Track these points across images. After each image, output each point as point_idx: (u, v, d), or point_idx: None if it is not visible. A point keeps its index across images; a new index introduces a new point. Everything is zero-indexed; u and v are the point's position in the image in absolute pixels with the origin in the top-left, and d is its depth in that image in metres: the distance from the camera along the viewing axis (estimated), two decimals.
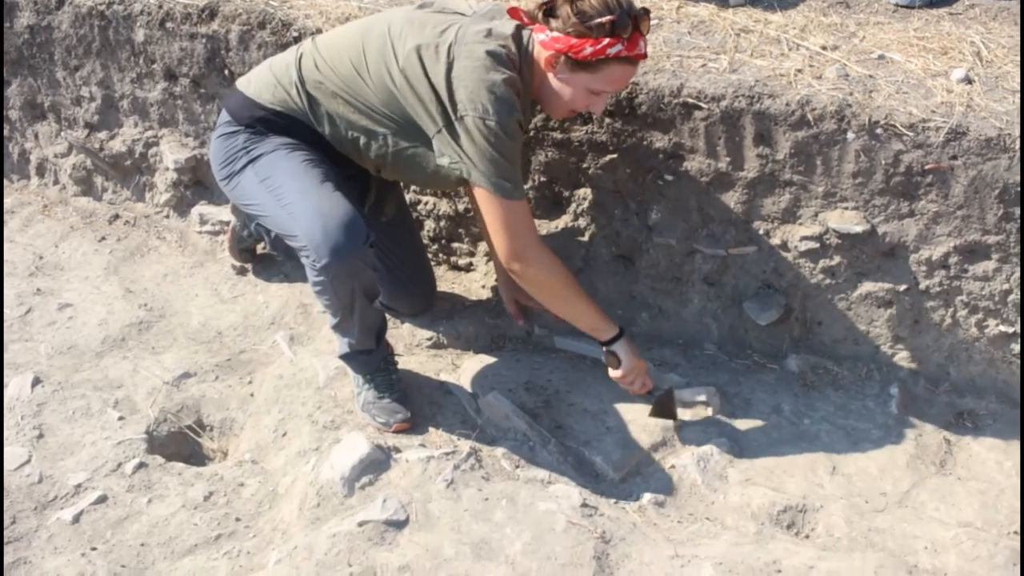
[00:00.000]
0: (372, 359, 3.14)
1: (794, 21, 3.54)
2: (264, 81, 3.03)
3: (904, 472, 3.02)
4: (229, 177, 3.04)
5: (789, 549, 2.70)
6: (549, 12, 2.71)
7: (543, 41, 2.73)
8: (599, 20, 2.64)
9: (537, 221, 3.60)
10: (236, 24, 3.77)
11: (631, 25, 2.67)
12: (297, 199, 2.83)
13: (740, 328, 3.48)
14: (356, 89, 2.89)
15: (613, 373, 3.10)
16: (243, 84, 3.09)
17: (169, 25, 3.90)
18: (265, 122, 2.99)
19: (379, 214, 3.30)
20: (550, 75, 2.79)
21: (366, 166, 3.06)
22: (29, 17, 4.20)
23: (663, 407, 3.17)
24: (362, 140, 2.96)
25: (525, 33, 2.83)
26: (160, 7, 3.91)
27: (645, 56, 2.77)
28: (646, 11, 2.72)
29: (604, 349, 3.08)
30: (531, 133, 3.40)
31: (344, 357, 3.15)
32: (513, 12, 2.80)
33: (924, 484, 2.99)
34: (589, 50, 2.67)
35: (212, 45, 3.85)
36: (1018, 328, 3.14)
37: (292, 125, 2.98)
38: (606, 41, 2.65)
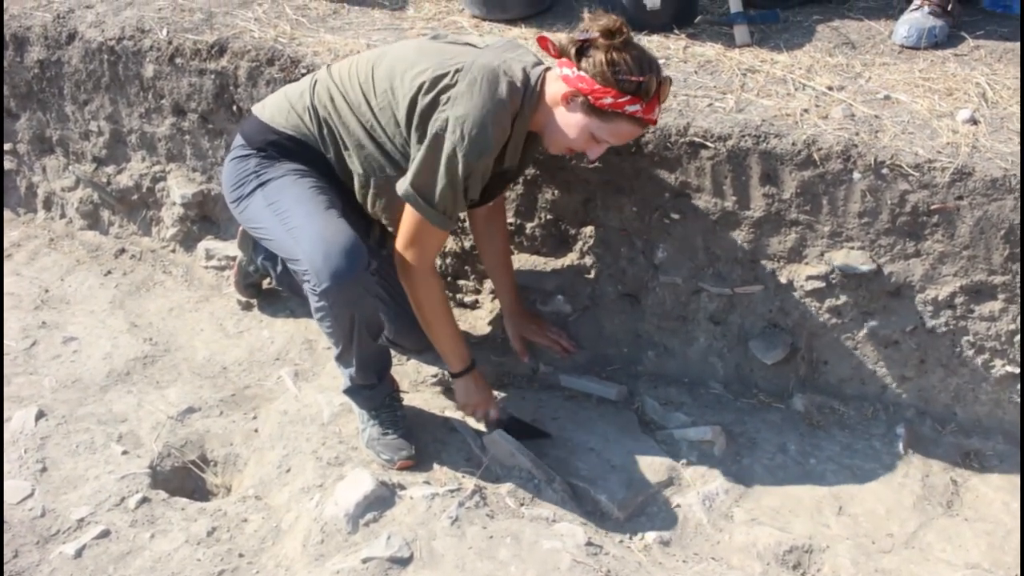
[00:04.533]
0: (376, 394, 3.14)
1: (800, 61, 3.56)
2: (278, 106, 3.09)
3: (911, 513, 3.01)
4: (239, 200, 3.08)
5: None
6: (581, 52, 2.74)
7: (566, 76, 2.76)
8: (629, 77, 2.67)
9: (543, 259, 3.61)
10: (245, 60, 3.79)
11: (655, 91, 2.72)
12: (301, 223, 2.86)
13: (746, 367, 3.47)
14: (360, 114, 2.95)
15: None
16: (258, 109, 3.15)
17: (178, 61, 3.93)
18: (277, 146, 3.04)
19: (382, 247, 3.31)
20: (560, 109, 2.81)
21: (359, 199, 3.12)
22: (39, 52, 4.23)
23: (517, 429, 3.24)
24: (356, 170, 3.04)
25: (533, 72, 2.86)
26: (170, 43, 3.93)
27: (655, 122, 2.83)
28: (669, 80, 2.77)
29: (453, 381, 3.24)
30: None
31: (348, 391, 3.15)
32: (542, 41, 2.82)
33: (931, 525, 2.97)
34: (609, 100, 2.70)
35: (221, 81, 3.88)
36: None
37: (303, 151, 3.04)
38: (627, 98, 2.70)
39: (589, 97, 2.72)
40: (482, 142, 2.73)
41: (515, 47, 2.95)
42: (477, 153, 2.74)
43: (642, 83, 2.68)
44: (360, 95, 2.94)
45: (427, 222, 2.86)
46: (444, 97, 2.78)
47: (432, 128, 2.77)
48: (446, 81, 2.79)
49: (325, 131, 3.01)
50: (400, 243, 2.94)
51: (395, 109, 2.88)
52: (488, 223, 3.38)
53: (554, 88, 2.82)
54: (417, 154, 2.81)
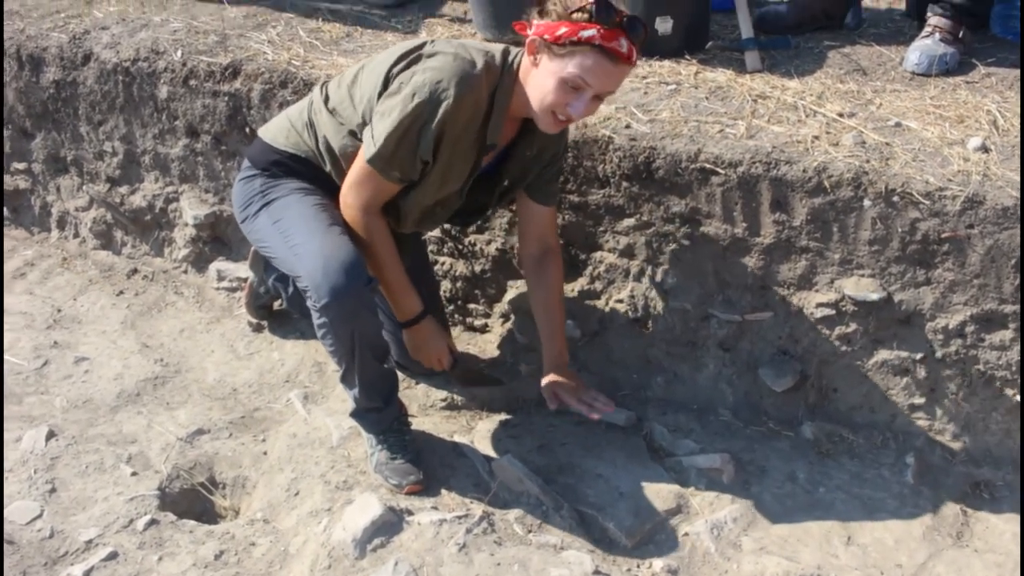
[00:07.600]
0: (383, 418, 3.14)
1: (811, 88, 3.56)
2: (279, 126, 3.15)
3: (920, 543, 2.99)
4: (246, 220, 3.13)
5: None
6: (540, 10, 2.74)
7: (529, 36, 2.76)
8: (580, 4, 2.64)
9: None
10: (258, 82, 3.82)
11: (614, 20, 2.65)
12: (303, 240, 2.89)
13: (755, 394, 3.46)
14: (347, 117, 2.97)
15: None
16: (262, 131, 3.20)
17: (192, 82, 3.95)
18: (280, 165, 3.09)
19: None
20: (532, 72, 2.79)
21: None
22: (55, 72, 4.26)
23: (469, 378, 3.39)
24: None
25: (512, 51, 2.89)
26: (184, 65, 3.96)
27: (625, 57, 2.69)
28: (639, 20, 2.70)
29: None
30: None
31: (353, 414, 3.16)
32: (518, 25, 2.84)
33: (940, 556, 2.96)
34: (564, 31, 2.65)
35: (234, 103, 3.90)
36: None
37: (305, 168, 3.08)
38: (582, 24, 2.64)
39: (546, 35, 2.69)
40: (444, 96, 2.74)
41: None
42: (435, 104, 2.74)
43: (592, 7, 2.62)
44: (347, 99, 2.97)
45: (369, 165, 2.85)
46: (418, 59, 2.82)
47: (400, 80, 2.81)
48: (421, 52, 2.84)
49: (323, 145, 3.04)
50: (345, 183, 2.97)
51: (372, 96, 2.89)
52: (539, 268, 3.29)
53: (526, 62, 2.82)
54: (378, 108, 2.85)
